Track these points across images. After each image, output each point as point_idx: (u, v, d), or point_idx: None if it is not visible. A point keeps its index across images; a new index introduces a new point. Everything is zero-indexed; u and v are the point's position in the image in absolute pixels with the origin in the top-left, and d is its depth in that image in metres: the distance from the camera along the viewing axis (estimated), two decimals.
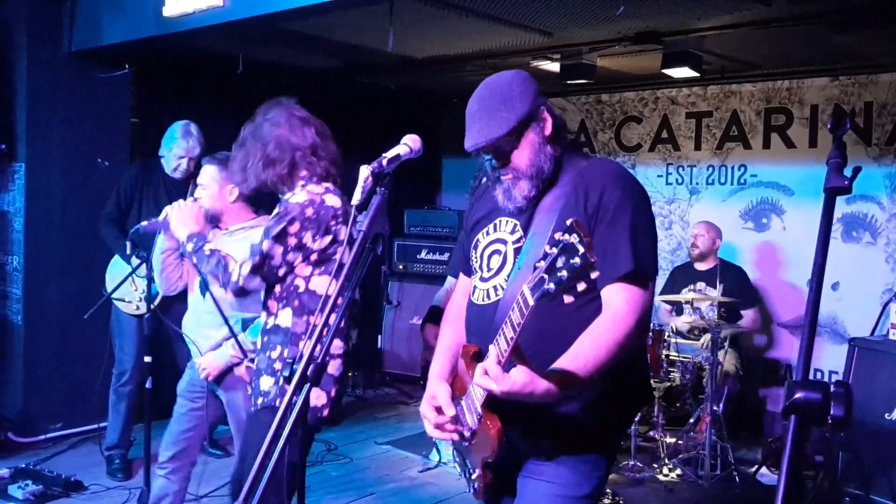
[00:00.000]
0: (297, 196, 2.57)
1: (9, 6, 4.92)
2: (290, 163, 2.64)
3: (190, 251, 2.72)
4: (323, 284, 2.55)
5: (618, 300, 1.81)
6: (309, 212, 2.53)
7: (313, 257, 2.56)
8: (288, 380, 1.64)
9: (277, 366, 2.53)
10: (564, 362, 1.71)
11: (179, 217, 2.81)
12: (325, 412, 2.58)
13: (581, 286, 1.47)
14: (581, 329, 1.79)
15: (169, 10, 4.34)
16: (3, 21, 4.95)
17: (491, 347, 1.70)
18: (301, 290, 2.55)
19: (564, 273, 1.46)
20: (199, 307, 3.21)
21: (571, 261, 1.45)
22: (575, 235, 1.46)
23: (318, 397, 2.54)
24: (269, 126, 2.73)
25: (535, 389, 1.64)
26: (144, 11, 4.53)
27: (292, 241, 2.52)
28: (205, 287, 3.14)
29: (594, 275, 1.46)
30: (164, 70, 5.54)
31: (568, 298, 1.49)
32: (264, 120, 2.78)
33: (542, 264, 1.49)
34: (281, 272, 2.55)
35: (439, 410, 1.91)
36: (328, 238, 2.55)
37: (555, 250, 1.48)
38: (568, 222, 1.50)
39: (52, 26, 5.00)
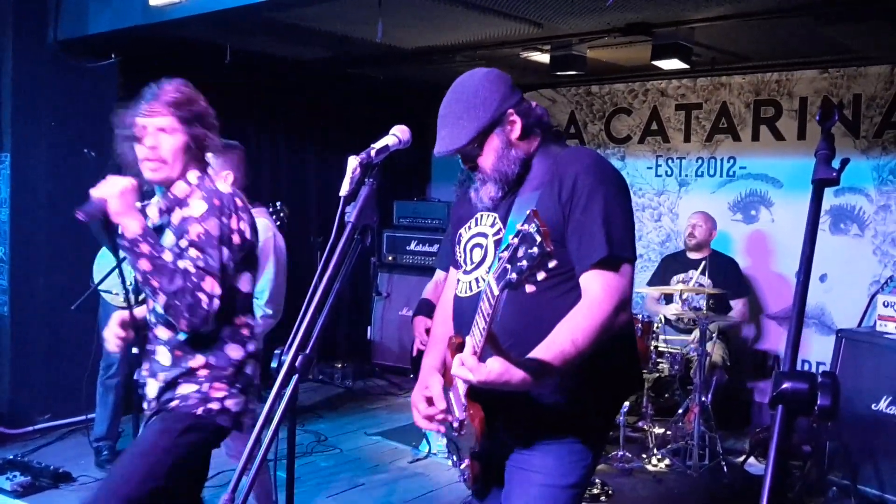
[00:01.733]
0: (221, 183, 2.29)
1: None
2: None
3: (144, 255, 2.13)
4: (245, 283, 2.32)
5: (594, 286, 1.83)
6: (239, 202, 2.27)
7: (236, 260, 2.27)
8: (277, 371, 1.64)
9: (201, 374, 2.28)
10: (541, 351, 1.73)
11: (123, 203, 2.17)
12: (224, 419, 2.27)
13: (541, 275, 1.49)
14: (562, 318, 1.80)
15: (155, 0, 4.30)
16: None
17: (468, 339, 1.72)
18: (226, 290, 2.24)
19: (524, 262, 1.48)
20: None
21: (530, 250, 1.47)
22: (532, 225, 1.47)
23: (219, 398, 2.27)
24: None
25: (510, 378, 1.66)
26: (131, 1, 4.50)
27: (237, 240, 2.23)
28: None
29: (552, 263, 1.48)
30: (151, 60, 5.47)
31: (529, 288, 1.52)
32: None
33: (505, 254, 1.52)
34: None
35: (430, 402, 1.93)
36: (252, 233, 2.31)
37: (515, 240, 1.50)
38: (527, 212, 1.51)
39: (37, 16, 4.95)
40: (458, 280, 2.08)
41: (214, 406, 2.21)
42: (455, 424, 1.88)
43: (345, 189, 1.79)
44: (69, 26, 4.92)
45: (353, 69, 6.41)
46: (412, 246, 6.80)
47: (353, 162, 1.82)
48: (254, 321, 2.31)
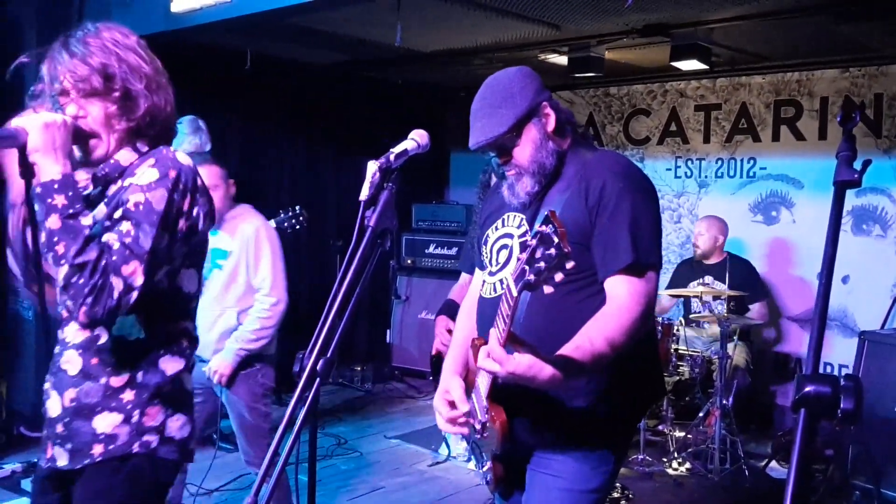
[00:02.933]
0: (181, 154, 1.80)
1: (18, 4, 4.94)
2: None
3: (55, 210, 1.59)
4: (189, 281, 1.83)
5: (621, 291, 1.82)
6: (200, 181, 1.80)
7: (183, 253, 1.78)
8: (298, 374, 1.65)
9: (126, 397, 1.74)
10: (569, 349, 1.72)
11: (47, 138, 1.62)
12: (170, 450, 1.79)
13: (558, 276, 1.48)
14: (584, 322, 1.79)
15: (177, 6, 4.35)
16: (12, 18, 4.96)
17: (491, 331, 1.70)
18: (164, 287, 1.76)
19: (542, 264, 1.47)
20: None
21: (547, 251, 1.46)
22: (550, 226, 1.47)
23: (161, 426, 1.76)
24: None
25: (538, 373, 1.63)
26: (153, 7, 4.55)
27: (183, 226, 1.74)
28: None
29: (569, 265, 1.47)
30: (172, 65, 5.53)
31: (548, 289, 1.51)
32: None
33: (524, 255, 1.51)
34: (159, 274, 1.72)
35: (452, 405, 1.93)
36: (206, 221, 1.83)
37: (534, 241, 1.49)
38: (545, 213, 1.51)
39: (61, 22, 5.01)
40: (484, 281, 2.08)
41: (152, 438, 1.72)
42: (477, 427, 1.89)
43: (364, 194, 1.79)
44: None
45: (372, 73, 6.44)
46: (431, 249, 6.81)
47: (372, 167, 1.83)
48: (193, 327, 1.87)
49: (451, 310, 3.71)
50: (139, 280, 1.62)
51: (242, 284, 3.24)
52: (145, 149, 1.77)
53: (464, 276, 3.83)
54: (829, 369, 5.44)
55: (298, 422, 1.57)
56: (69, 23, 5.02)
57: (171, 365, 1.77)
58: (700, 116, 6.13)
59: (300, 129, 6.48)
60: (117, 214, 1.67)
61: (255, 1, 4.06)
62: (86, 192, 1.74)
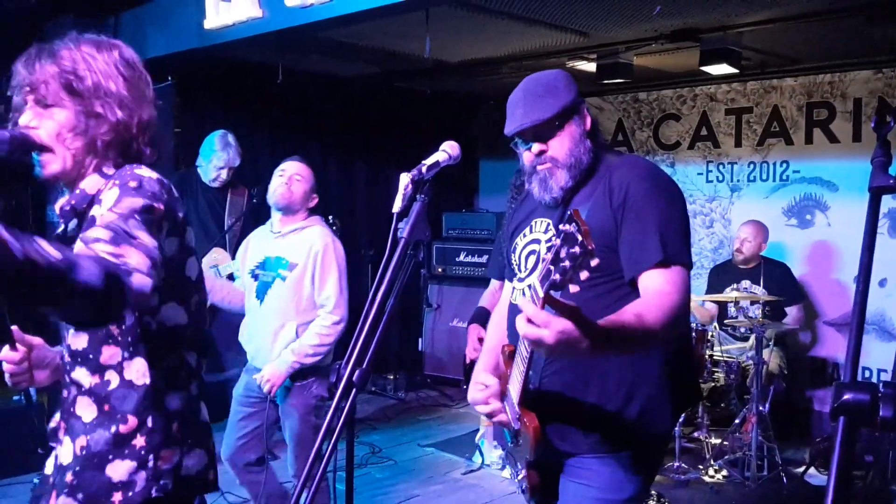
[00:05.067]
0: (145, 169, 1.65)
1: (55, 23, 5.06)
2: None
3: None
4: (177, 314, 1.68)
5: (658, 280, 1.80)
6: (166, 197, 1.63)
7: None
8: (335, 385, 1.67)
9: (139, 443, 1.62)
10: (614, 318, 1.65)
11: None
12: (187, 485, 1.69)
13: (584, 275, 1.46)
14: None
15: (210, 23, 4.43)
16: (49, 37, 5.08)
17: (522, 301, 1.57)
18: (153, 327, 1.65)
19: (567, 263, 1.46)
20: (257, 313, 3.25)
21: (571, 250, 1.45)
22: (574, 224, 1.46)
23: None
24: None
25: (583, 336, 1.50)
26: (186, 24, 4.64)
27: (166, 227, 1.62)
28: (262, 292, 3.20)
29: (594, 262, 1.45)
30: (205, 81, 5.65)
31: (574, 288, 1.48)
32: None
33: (549, 255, 1.50)
34: None
35: (485, 389, 1.95)
36: (176, 242, 1.66)
37: (558, 241, 1.48)
38: (568, 212, 1.50)
39: None
40: (514, 288, 2.09)
41: (169, 480, 1.65)
42: (510, 429, 1.90)
43: (397, 205, 1.81)
44: None
45: (401, 83, 6.49)
46: (461, 257, 6.83)
47: (404, 178, 1.85)
48: (193, 356, 1.74)
49: (482, 317, 3.73)
50: (145, 264, 1.44)
51: (306, 299, 3.19)
52: (111, 171, 1.64)
53: (493, 282, 3.85)
54: (867, 374, 5.35)
55: (336, 431, 1.60)
56: None
57: (175, 402, 1.68)
58: (731, 120, 6.09)
59: (331, 141, 6.55)
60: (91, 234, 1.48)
61: (286, 16, 4.12)
62: (58, 232, 1.63)
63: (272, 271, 3.21)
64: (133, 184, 1.55)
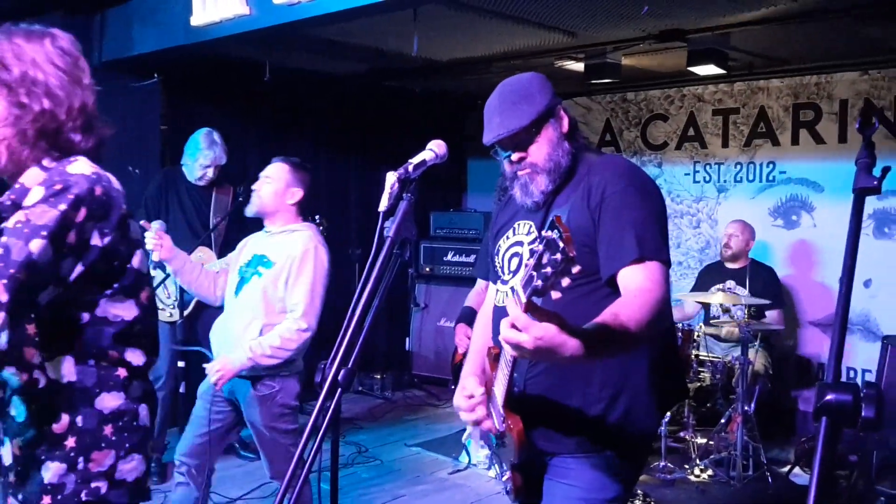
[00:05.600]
0: (78, 165, 1.63)
1: (41, 20, 5.01)
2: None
3: None
4: (122, 308, 1.65)
5: (637, 278, 1.79)
6: (99, 190, 1.60)
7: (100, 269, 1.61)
8: (320, 384, 1.67)
9: (69, 444, 1.60)
10: (597, 322, 1.66)
11: None
12: (121, 494, 1.65)
13: (565, 281, 1.46)
14: None
15: (197, 20, 4.40)
16: None
17: (508, 302, 1.57)
18: (85, 321, 1.61)
19: (549, 269, 1.46)
20: (230, 308, 3.20)
21: (553, 256, 1.45)
22: (556, 231, 1.46)
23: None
24: None
25: (564, 342, 1.53)
26: (173, 21, 4.61)
27: (73, 238, 1.54)
28: (240, 287, 3.15)
29: (575, 269, 1.45)
30: (192, 78, 5.62)
31: (555, 294, 1.49)
32: None
33: (531, 261, 1.50)
34: (43, 296, 1.54)
35: (471, 399, 1.94)
36: (119, 238, 1.63)
37: (540, 247, 1.48)
38: (550, 219, 1.50)
39: (83, 37, 5.01)
40: (497, 290, 2.09)
41: (101, 484, 1.60)
42: (494, 432, 1.90)
43: (383, 204, 1.81)
44: (114, 47, 5.06)
45: (389, 82, 6.48)
46: (449, 257, 6.83)
47: (391, 177, 1.84)
48: (137, 354, 1.70)
49: (469, 317, 3.74)
50: (3, 297, 1.41)
51: (278, 300, 3.09)
52: (52, 165, 1.63)
53: (480, 282, 3.86)
54: (851, 374, 5.39)
55: (320, 432, 1.59)
56: (91, 38, 5.11)
57: (111, 401, 1.63)
58: (718, 121, 6.11)
59: (319, 139, 6.53)
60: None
61: (274, 13, 4.10)
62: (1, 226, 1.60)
63: (253, 268, 3.17)
64: (58, 187, 1.54)
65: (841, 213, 5.41)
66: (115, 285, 1.63)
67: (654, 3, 3.77)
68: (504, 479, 1.98)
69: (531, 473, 1.97)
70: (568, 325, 1.54)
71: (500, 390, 1.82)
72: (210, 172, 4.54)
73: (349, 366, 1.66)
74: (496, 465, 2.08)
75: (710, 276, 5.41)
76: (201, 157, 4.51)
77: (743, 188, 6.01)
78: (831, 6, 3.98)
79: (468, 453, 4.78)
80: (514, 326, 1.51)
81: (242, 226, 4.05)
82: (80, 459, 1.59)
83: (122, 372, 1.67)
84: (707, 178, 6.20)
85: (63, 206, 1.51)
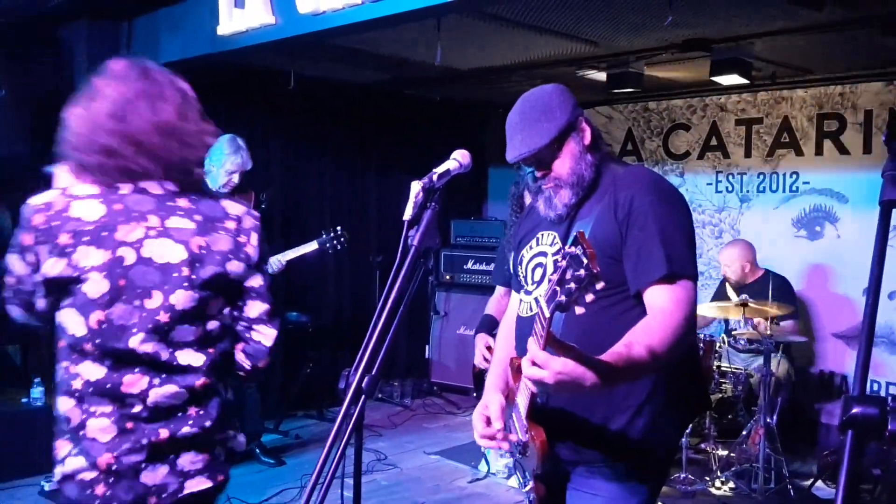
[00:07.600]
0: (44, 195, 1.74)
1: (70, 27, 5.11)
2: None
3: None
4: (68, 322, 1.70)
5: (661, 298, 1.80)
6: (38, 219, 1.69)
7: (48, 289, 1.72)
8: (344, 391, 1.68)
9: None
10: (614, 354, 1.67)
11: None
12: (70, 487, 1.71)
13: (589, 297, 1.47)
14: (618, 339, 1.77)
15: (223, 29, 4.45)
16: (64, 41, 5.13)
17: (530, 341, 1.65)
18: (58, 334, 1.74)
19: (573, 285, 1.46)
20: None
21: (577, 272, 1.46)
22: (579, 247, 1.46)
23: None
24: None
25: (583, 375, 1.57)
26: (200, 30, 4.67)
27: (31, 259, 1.71)
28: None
29: (599, 285, 1.46)
30: (218, 86, 5.67)
31: (579, 309, 1.50)
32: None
33: (555, 276, 1.51)
34: (40, 303, 1.74)
35: (489, 421, 1.95)
36: (62, 263, 1.68)
37: (563, 262, 1.49)
38: (574, 234, 1.51)
39: (110, 46, 5.16)
40: (521, 300, 2.09)
41: (58, 471, 1.73)
42: (518, 445, 1.90)
43: (408, 213, 1.82)
44: (140, 55, 5.12)
45: (411, 91, 6.51)
46: (469, 265, 6.83)
47: (415, 186, 1.86)
48: (93, 368, 1.71)
49: (489, 325, 3.73)
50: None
51: None
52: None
53: (499, 289, 3.85)
54: (875, 387, 5.32)
55: (344, 438, 1.60)
56: (118, 47, 5.18)
57: (63, 404, 1.73)
58: (741, 130, 6.08)
59: (342, 147, 6.57)
60: None
61: (299, 23, 4.14)
62: None
63: None
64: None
65: (865, 224, 5.38)
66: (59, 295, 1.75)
67: (678, 13, 3.77)
68: (526, 489, 1.99)
69: (554, 483, 1.97)
70: (586, 357, 1.57)
71: (523, 401, 1.83)
72: (235, 178, 4.57)
73: (373, 373, 1.67)
74: (518, 475, 2.09)
75: (724, 290, 5.36)
76: (227, 163, 4.54)
77: (766, 198, 5.97)
78: (855, 17, 3.96)
79: (487, 462, 4.78)
80: (534, 364, 1.56)
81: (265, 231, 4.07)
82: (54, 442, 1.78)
83: (76, 383, 1.76)
84: (730, 188, 6.16)
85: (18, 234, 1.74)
